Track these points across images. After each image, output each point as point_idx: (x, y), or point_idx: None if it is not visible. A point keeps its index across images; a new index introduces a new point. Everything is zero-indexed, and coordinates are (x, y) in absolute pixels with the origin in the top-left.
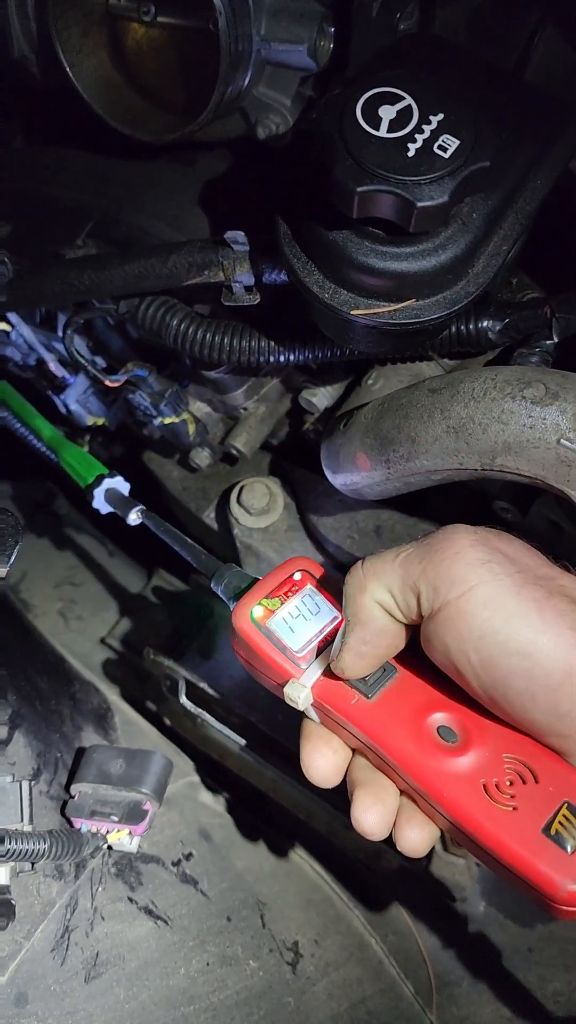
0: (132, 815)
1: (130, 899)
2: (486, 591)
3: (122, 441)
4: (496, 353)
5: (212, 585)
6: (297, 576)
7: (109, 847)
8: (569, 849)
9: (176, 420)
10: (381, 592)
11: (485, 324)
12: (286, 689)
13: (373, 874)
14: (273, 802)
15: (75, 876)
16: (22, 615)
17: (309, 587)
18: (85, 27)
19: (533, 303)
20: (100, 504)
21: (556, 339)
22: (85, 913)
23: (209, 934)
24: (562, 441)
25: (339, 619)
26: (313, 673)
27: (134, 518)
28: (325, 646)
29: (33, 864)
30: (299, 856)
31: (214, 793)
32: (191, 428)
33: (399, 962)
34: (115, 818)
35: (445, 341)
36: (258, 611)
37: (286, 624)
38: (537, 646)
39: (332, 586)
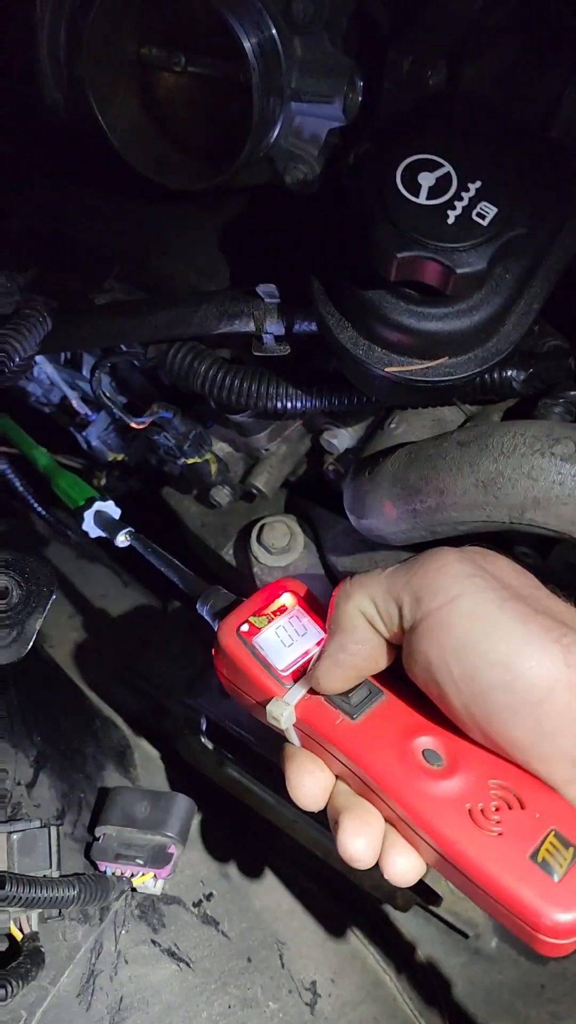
0: (157, 858)
1: (153, 941)
2: (469, 602)
3: (140, 476)
4: (517, 400)
5: (198, 606)
6: (285, 596)
7: (133, 889)
8: (556, 877)
9: (199, 460)
10: (364, 602)
11: (509, 374)
12: (269, 707)
13: (387, 911)
14: (290, 840)
15: (100, 919)
16: (42, 650)
17: (297, 608)
18: (116, 75)
19: (556, 352)
20: (89, 527)
21: None
22: (109, 956)
23: (230, 976)
24: None
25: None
26: (297, 692)
27: (122, 540)
28: (311, 667)
29: (61, 911)
30: (316, 894)
31: (233, 830)
32: (213, 468)
33: (413, 1000)
34: (140, 861)
35: (470, 389)
36: (244, 628)
37: (272, 642)
38: (520, 658)
39: (319, 608)
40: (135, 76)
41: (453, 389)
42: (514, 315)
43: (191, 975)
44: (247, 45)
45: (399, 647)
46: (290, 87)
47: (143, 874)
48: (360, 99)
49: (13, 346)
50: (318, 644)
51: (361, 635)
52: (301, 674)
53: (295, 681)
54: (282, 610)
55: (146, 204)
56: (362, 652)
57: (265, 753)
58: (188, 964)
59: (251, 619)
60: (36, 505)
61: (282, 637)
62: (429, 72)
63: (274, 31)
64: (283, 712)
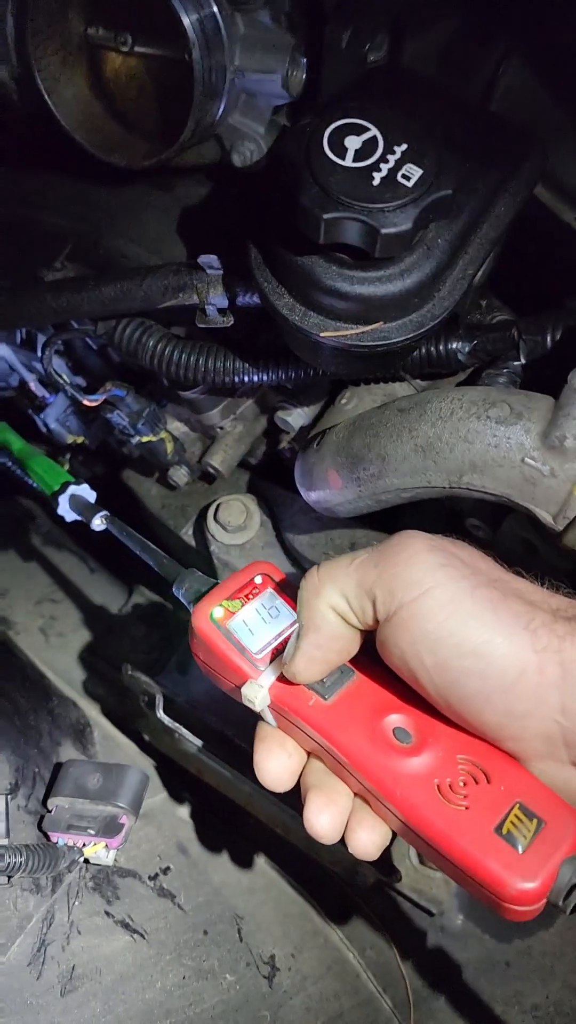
0: (108, 828)
1: (107, 913)
2: (442, 594)
3: (102, 460)
4: (467, 373)
5: (173, 589)
6: (258, 579)
7: (86, 860)
8: (520, 848)
9: (154, 439)
10: (336, 597)
11: (454, 346)
12: (243, 690)
13: (350, 888)
14: (250, 816)
15: (52, 890)
16: (2, 632)
17: (269, 590)
18: (64, 55)
19: (502, 325)
20: (65, 511)
21: (523, 360)
22: (62, 927)
23: (186, 948)
24: (526, 460)
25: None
26: (271, 675)
27: (98, 523)
28: (283, 649)
29: (10, 878)
30: (276, 870)
31: (192, 807)
32: (169, 447)
33: (377, 976)
34: (91, 831)
35: (416, 362)
36: (218, 612)
37: (246, 626)
38: (491, 646)
39: (293, 590)
40: (83, 56)
41: (393, 356)
42: (449, 280)
43: (145, 946)
44: (187, 22)
45: (372, 632)
46: (233, 64)
47: (94, 844)
48: (303, 76)
49: None
50: (291, 625)
51: (334, 630)
52: (275, 655)
53: (270, 663)
54: (255, 593)
55: (98, 185)
56: (335, 646)
57: (222, 729)
58: (142, 935)
59: (225, 603)
60: None
61: (256, 620)
62: (368, 45)
63: (215, 8)
64: (257, 695)
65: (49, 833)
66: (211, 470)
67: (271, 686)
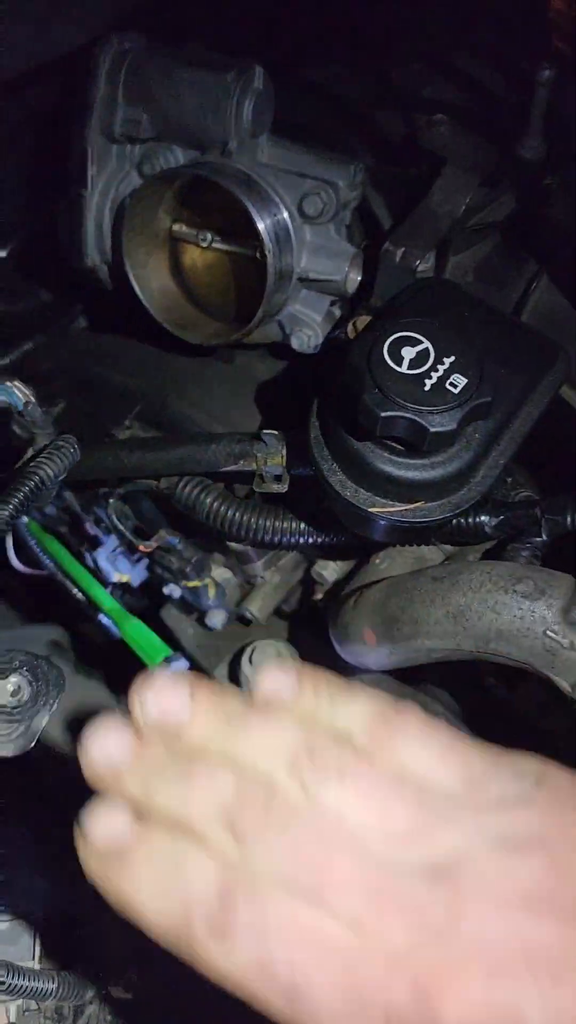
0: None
1: None
2: None
3: (143, 596)
4: (492, 543)
5: None
6: None
7: (107, 994)
8: None
9: (199, 584)
10: None
11: (482, 519)
12: None
13: None
14: None
15: (73, 1020)
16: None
17: None
18: (150, 248)
19: (526, 503)
20: None
21: (545, 538)
22: None
23: None
24: (548, 632)
25: None
26: None
27: None
28: None
29: (39, 1004)
30: None
31: None
32: (211, 592)
33: None
34: None
35: (446, 532)
36: None
37: None
38: None
39: None
40: (167, 248)
41: (429, 530)
42: (483, 468)
43: None
44: (262, 226)
45: None
46: (299, 265)
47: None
48: (359, 279)
49: (47, 473)
50: None
51: None
52: None
53: None
54: None
55: (168, 353)
56: None
57: None
58: None
59: None
60: None
61: None
62: (418, 262)
63: (287, 219)
64: None
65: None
66: (249, 616)
67: None
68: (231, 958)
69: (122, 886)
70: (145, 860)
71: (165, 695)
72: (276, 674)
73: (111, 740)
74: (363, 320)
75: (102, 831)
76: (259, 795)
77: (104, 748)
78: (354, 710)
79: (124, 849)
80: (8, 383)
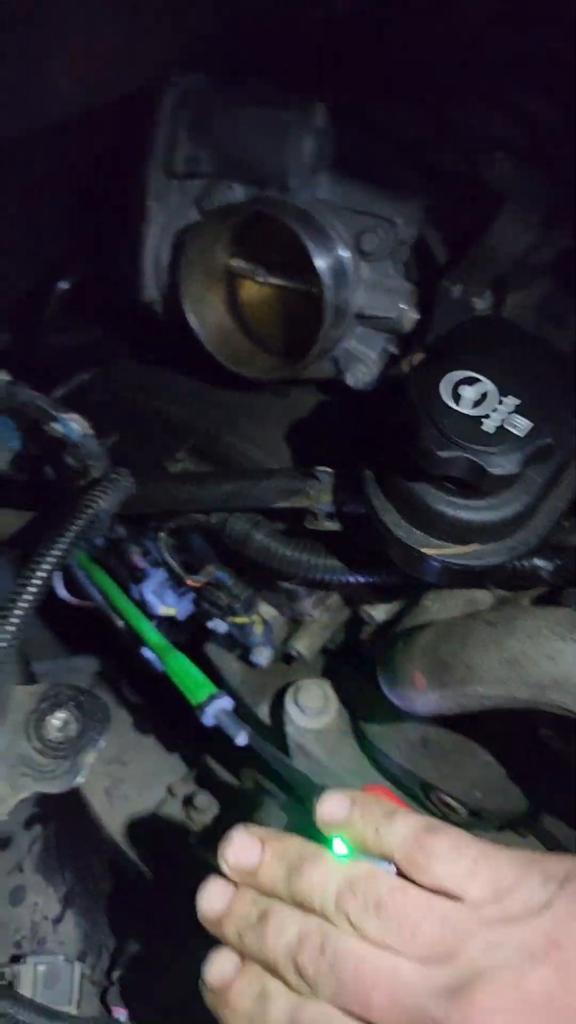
0: None
1: None
2: None
3: (187, 630)
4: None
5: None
6: None
7: None
8: None
9: (247, 621)
10: None
11: (538, 564)
12: None
13: None
14: None
15: None
16: (81, 794)
17: None
18: (208, 282)
19: None
20: (209, 721)
21: None
22: None
23: None
24: None
25: None
26: None
27: (242, 739)
28: None
29: None
30: None
31: None
32: (259, 629)
33: None
34: None
35: (501, 575)
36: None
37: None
38: None
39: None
40: (223, 283)
41: (484, 574)
42: (542, 512)
43: None
44: (320, 264)
45: None
46: (355, 302)
47: None
48: (416, 316)
49: (102, 506)
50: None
51: None
52: None
53: None
54: None
55: (221, 387)
56: None
57: None
58: None
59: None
60: None
61: None
62: (476, 299)
63: (345, 256)
64: None
65: (112, 1007)
66: (295, 654)
67: None
68: None
69: (224, 1015)
70: (239, 994)
71: (240, 849)
72: (334, 801)
73: (215, 894)
74: (419, 358)
75: (213, 971)
76: (316, 937)
77: (208, 901)
78: (393, 831)
79: (227, 986)
80: (66, 415)
